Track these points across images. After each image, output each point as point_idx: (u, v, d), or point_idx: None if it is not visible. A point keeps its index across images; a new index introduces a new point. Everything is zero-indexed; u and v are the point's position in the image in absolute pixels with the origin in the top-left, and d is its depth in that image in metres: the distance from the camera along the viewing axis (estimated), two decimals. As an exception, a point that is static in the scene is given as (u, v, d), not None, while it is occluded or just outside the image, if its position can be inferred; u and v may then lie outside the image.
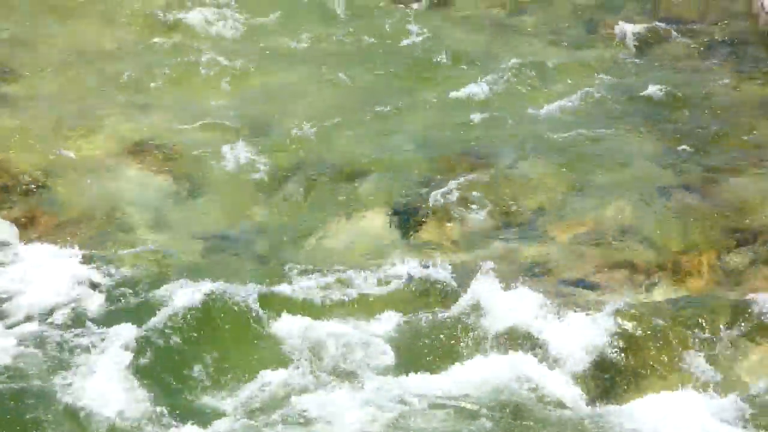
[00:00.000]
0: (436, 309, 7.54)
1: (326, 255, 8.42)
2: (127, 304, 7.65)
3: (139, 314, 7.40)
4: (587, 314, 7.41)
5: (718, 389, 6.87)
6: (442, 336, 7.31)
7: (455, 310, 7.47)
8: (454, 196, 9.13)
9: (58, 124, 10.21)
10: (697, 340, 7.22)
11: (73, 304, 7.57)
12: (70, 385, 6.66)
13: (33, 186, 9.28)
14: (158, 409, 6.54)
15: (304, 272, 7.96)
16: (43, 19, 12.82)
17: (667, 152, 9.88)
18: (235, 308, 7.36)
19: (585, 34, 12.73)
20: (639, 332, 7.27)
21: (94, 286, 7.80)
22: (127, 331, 7.10)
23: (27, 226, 8.76)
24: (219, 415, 6.62)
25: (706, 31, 12.64)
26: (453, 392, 6.73)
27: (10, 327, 7.30)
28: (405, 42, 12.34)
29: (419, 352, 7.20)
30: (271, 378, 6.85)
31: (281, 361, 7.01)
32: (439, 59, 11.84)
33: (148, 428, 6.43)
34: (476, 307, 7.43)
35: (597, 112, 10.59)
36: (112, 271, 8.00)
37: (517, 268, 8.24)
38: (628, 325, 7.29)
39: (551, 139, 10.03)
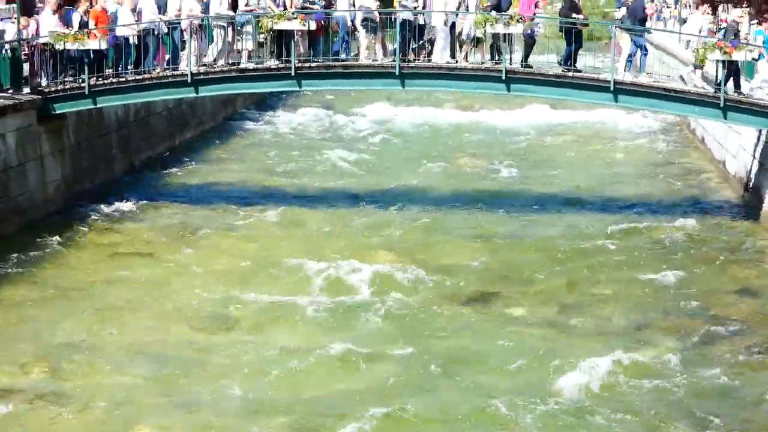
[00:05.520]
0: None
1: None
2: None
3: None
4: None
5: None
6: None
7: None
8: None
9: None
10: None
11: None
12: None
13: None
14: None
15: None
16: (99, 317, 12.97)
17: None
18: None
19: (636, 333, 12.72)
20: None
21: None
22: None
23: None
24: None
25: (759, 331, 12.59)
26: None
27: None
28: (448, 342, 12.34)
29: None
30: None
31: None
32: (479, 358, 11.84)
33: None
34: None
35: (648, 407, 10.50)
36: None
37: None
38: None
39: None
